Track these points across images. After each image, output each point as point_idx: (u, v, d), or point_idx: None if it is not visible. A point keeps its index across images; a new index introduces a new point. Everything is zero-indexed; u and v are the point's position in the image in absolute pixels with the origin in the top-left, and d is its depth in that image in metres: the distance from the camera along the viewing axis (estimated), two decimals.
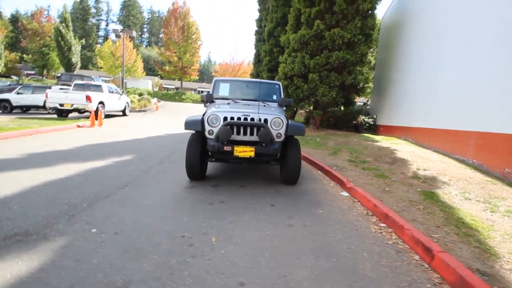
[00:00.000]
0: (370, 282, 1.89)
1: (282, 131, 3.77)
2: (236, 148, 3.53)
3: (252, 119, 3.72)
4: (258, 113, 3.75)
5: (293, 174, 3.95)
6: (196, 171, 3.89)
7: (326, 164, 5.24)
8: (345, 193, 3.88)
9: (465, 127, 5.18)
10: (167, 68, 34.26)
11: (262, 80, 5.30)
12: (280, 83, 5.23)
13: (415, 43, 8.53)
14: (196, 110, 19.25)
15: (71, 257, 1.97)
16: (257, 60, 17.45)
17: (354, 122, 12.12)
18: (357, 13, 9.73)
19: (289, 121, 3.91)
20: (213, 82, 5.13)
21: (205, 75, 54.04)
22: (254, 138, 3.68)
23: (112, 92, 12.84)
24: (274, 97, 5.00)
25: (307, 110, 11.83)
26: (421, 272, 2.04)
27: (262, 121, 3.71)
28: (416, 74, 8.07)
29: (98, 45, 46.69)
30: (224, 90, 5.02)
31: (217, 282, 1.79)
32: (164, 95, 32.17)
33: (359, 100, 20.62)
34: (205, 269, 1.91)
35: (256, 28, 17.96)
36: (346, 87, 10.50)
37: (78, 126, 8.85)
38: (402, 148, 6.79)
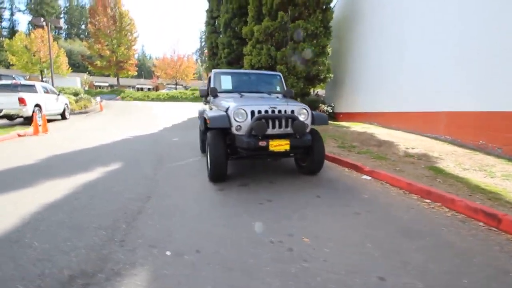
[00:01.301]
0: (472, 252, 2.05)
1: (309, 121, 3.75)
2: (271, 142, 3.36)
3: (280, 111, 3.59)
4: (287, 104, 3.65)
5: (319, 164, 3.98)
6: (223, 172, 3.61)
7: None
8: (366, 177, 4.09)
9: (436, 109, 5.95)
10: (98, 63, 30.50)
11: (263, 72, 5.17)
12: (280, 74, 5.15)
13: (374, 31, 9.31)
14: (152, 109, 17.75)
15: None
16: (212, 52, 16.81)
17: (317, 111, 12.79)
18: (317, 6, 10.15)
19: (312, 111, 3.91)
20: (212, 75, 4.76)
21: (141, 70, 49.79)
22: (286, 130, 3.56)
23: (48, 93, 10.85)
24: (278, 88, 4.91)
25: None
26: (496, 235, 2.30)
27: (289, 113, 3.61)
28: (378, 62, 8.87)
29: (2, 38, 38.63)
30: (226, 83, 4.71)
31: (356, 281, 1.70)
32: (99, 94, 28.60)
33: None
34: (333, 271, 1.79)
35: (206, 19, 17.21)
36: (311, 77, 10.97)
37: (19, 136, 7.24)
38: (376, 131, 7.46)
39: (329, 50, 10.95)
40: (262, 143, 3.34)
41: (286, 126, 3.57)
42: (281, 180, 3.90)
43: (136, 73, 34.58)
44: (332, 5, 10.43)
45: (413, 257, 1.96)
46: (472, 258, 1.97)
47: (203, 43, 69.81)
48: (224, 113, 3.53)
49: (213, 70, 4.83)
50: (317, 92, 21.62)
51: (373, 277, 1.73)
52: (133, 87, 44.10)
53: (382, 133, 7.12)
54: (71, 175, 3.97)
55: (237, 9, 13.21)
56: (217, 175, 3.63)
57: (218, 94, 4.45)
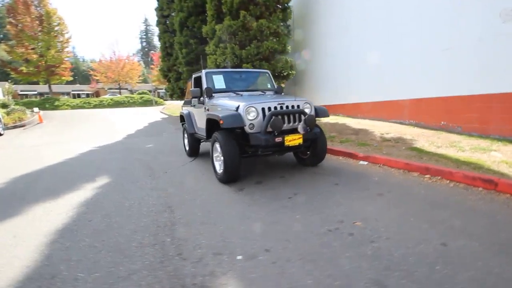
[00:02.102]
0: (491, 211, 2.43)
1: (313, 114, 3.92)
2: (286, 137, 3.44)
3: (287, 106, 3.69)
4: (294, 100, 3.75)
5: (323, 155, 4.19)
6: (238, 172, 3.58)
7: None
8: (363, 162, 4.45)
9: (400, 97, 6.71)
10: (24, 69, 26.52)
11: (252, 70, 5.18)
12: (269, 71, 5.22)
13: (337, 30, 9.96)
14: (103, 117, 16.06)
15: None
16: (166, 53, 15.98)
17: None
18: (277, 5, 10.47)
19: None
20: (203, 75, 4.60)
21: (75, 75, 44.56)
22: (294, 125, 3.66)
23: None
24: (269, 85, 4.98)
25: None
26: (497, 196, 2.76)
27: (297, 108, 3.74)
28: (346, 60, 9.50)
29: None
30: (219, 82, 4.61)
31: (427, 250, 1.90)
32: (28, 104, 24.87)
33: None
34: (402, 246, 1.97)
35: (157, 18, 16.25)
36: (276, 75, 11.28)
37: None
38: (347, 121, 8.08)
39: (289, 48, 11.39)
40: (278, 139, 3.39)
41: (294, 121, 3.68)
42: (290, 174, 4.00)
43: (71, 78, 30.97)
44: (290, 4, 10.82)
45: (454, 223, 2.26)
46: (495, 216, 2.35)
47: (143, 43, 65.81)
48: (236, 112, 3.47)
49: (203, 71, 4.67)
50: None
51: (437, 244, 1.96)
52: (68, 93, 39.35)
53: (352, 122, 7.74)
54: (59, 195, 3.47)
55: (192, 7, 12.83)
56: (232, 175, 3.57)
57: (213, 94, 4.34)
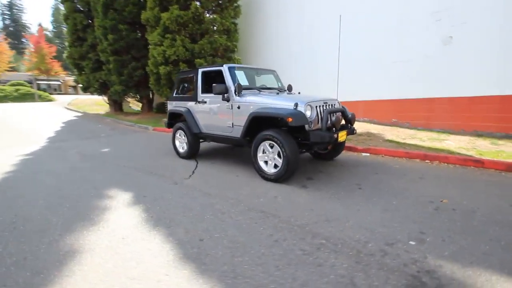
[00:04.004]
0: (497, 181, 3.44)
1: None
2: (339, 133, 3.70)
3: (330, 105, 3.96)
4: (330, 98, 4.05)
5: (342, 149, 4.66)
6: (296, 168, 3.59)
7: None
8: (366, 154, 5.18)
9: (355, 99, 7.95)
10: None
11: (264, 68, 5.08)
12: (275, 70, 5.26)
13: (286, 32, 10.56)
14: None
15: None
16: (77, 37, 13.05)
17: None
18: (229, 2, 10.32)
19: None
20: (226, 70, 4.26)
21: None
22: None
23: None
24: (279, 84, 5.06)
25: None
26: (485, 171, 3.87)
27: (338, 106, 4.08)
28: (305, 63, 10.26)
29: None
30: (242, 79, 4.38)
31: None
32: None
33: None
34: (496, 214, 2.60)
35: None
36: None
37: None
38: None
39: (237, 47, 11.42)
40: (336, 135, 3.62)
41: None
42: (324, 169, 4.27)
43: None
44: (240, 3, 10.83)
45: (491, 189, 3.10)
46: (491, 180, 3.35)
47: (6, 21, 50.88)
48: (299, 110, 3.47)
49: (225, 65, 4.31)
50: None
51: (501, 203, 2.69)
52: None
53: None
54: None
55: None
56: (292, 173, 3.56)
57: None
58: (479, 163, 4.06)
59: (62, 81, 37.71)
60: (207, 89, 4.66)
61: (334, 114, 3.85)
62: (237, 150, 5.90)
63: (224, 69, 4.28)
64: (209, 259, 1.96)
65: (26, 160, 5.15)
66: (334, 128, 3.62)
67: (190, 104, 4.91)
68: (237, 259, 1.95)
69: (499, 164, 3.89)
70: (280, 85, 5.04)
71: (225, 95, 4.18)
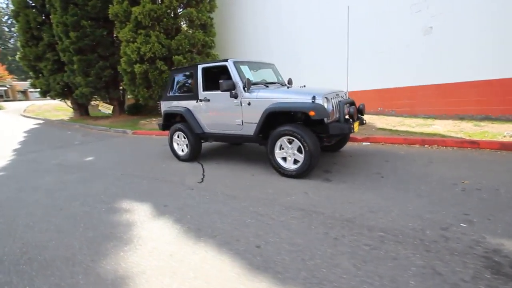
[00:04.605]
0: (498, 159, 3.73)
1: None
2: (354, 124, 3.72)
3: (337, 94, 3.97)
4: (339, 90, 4.06)
5: (347, 140, 4.73)
6: (317, 163, 3.56)
7: None
8: (366, 143, 5.32)
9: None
10: None
11: (264, 62, 4.91)
12: (274, 64, 5.13)
13: (264, 25, 10.40)
14: None
15: None
16: (31, 36, 11.61)
17: None
18: None
19: None
20: (232, 65, 4.04)
21: None
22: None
23: None
24: (279, 78, 4.96)
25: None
26: (482, 150, 4.19)
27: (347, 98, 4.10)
28: (279, 56, 10.19)
29: None
30: (247, 73, 4.20)
31: None
32: None
33: None
34: None
35: None
36: None
37: None
38: None
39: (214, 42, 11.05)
40: (352, 126, 3.64)
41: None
42: (337, 160, 4.30)
43: None
44: None
45: (493, 166, 3.35)
46: (490, 157, 3.64)
47: None
48: (318, 103, 3.41)
49: (230, 60, 4.08)
50: None
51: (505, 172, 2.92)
52: None
53: None
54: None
55: None
56: (314, 167, 3.51)
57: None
58: (474, 144, 4.37)
59: (8, 86, 33.66)
60: (209, 86, 4.41)
61: (348, 105, 3.87)
62: (234, 148, 5.73)
63: (230, 64, 4.07)
64: (281, 267, 1.83)
65: (0, 177, 4.47)
66: (351, 119, 3.64)
67: (190, 103, 4.62)
68: (310, 263, 1.85)
69: (493, 144, 4.22)
70: (280, 79, 4.94)
71: (233, 91, 3.98)
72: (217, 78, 4.25)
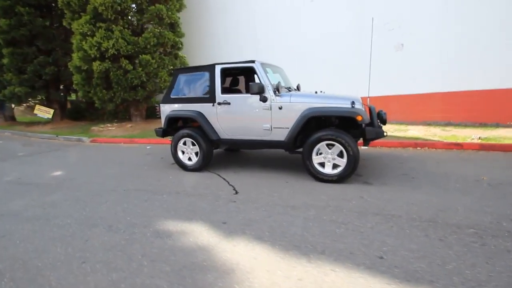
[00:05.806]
0: (488, 158, 4.39)
1: None
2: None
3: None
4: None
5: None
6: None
7: None
8: (364, 147, 5.62)
9: None
10: None
11: (274, 65, 4.74)
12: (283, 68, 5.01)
13: (234, 25, 10.22)
14: None
15: None
16: None
17: None
18: None
19: None
20: (259, 67, 3.80)
21: None
22: None
23: None
24: (290, 82, 4.89)
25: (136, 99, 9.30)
26: (466, 150, 4.87)
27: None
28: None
29: None
30: (271, 76, 4.00)
31: None
32: None
33: None
34: None
35: None
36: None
37: None
38: None
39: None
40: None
41: None
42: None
43: None
44: None
45: (484, 163, 3.94)
46: (476, 157, 4.31)
47: None
48: (359, 108, 3.46)
49: (257, 61, 3.82)
50: None
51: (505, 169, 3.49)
52: None
53: None
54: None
55: None
56: (355, 171, 3.53)
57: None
58: (459, 146, 5.06)
59: None
60: (227, 89, 4.06)
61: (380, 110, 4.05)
62: (234, 154, 5.40)
63: (257, 66, 3.83)
64: (429, 275, 1.73)
65: None
66: (381, 124, 3.80)
67: (204, 107, 4.16)
68: (449, 267, 1.80)
69: (474, 145, 4.97)
70: (291, 84, 4.89)
71: (262, 95, 3.74)
72: (237, 80, 3.96)
